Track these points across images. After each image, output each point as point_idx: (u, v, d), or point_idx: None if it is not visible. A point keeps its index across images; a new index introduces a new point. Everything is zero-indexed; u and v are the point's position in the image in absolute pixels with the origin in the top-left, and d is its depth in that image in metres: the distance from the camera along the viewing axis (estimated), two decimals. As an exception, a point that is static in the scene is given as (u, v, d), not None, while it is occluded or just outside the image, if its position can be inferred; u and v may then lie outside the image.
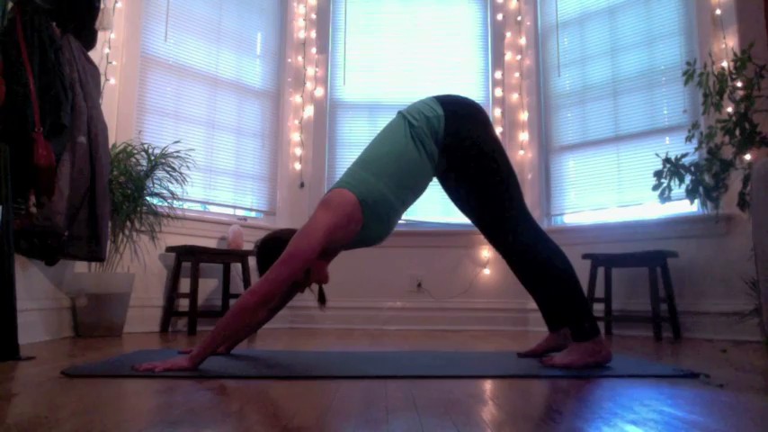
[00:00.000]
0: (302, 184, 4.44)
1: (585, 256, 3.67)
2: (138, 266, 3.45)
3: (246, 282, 3.74)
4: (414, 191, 1.98)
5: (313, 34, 4.65)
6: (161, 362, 1.71)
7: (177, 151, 3.42)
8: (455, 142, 1.95)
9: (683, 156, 3.22)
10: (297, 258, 1.76)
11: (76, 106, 2.73)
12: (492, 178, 1.98)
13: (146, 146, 3.36)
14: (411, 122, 1.96)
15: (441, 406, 1.24)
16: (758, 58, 3.04)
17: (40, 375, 1.63)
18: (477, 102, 2.08)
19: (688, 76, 3.27)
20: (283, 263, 1.75)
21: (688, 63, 3.32)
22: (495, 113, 4.55)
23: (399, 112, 2.04)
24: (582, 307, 1.92)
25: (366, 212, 1.87)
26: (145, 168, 3.31)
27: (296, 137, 4.50)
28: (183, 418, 1.09)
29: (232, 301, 3.79)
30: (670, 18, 3.87)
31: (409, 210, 2.07)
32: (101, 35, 3.20)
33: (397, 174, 1.91)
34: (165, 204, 3.44)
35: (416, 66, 4.66)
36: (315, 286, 2.15)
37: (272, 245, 1.98)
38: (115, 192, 3.12)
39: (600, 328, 1.91)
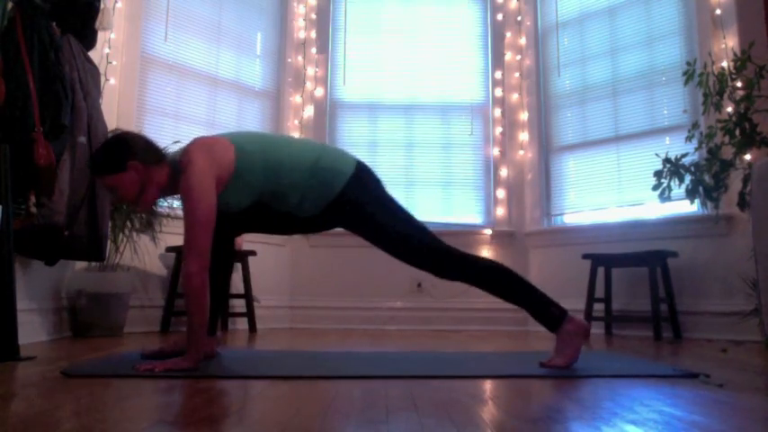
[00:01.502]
0: (302, 184, 4.44)
1: (585, 256, 3.67)
2: (138, 266, 3.45)
3: (246, 281, 3.74)
4: (277, 200, 1.93)
5: (313, 34, 4.65)
6: (161, 362, 1.71)
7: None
8: (348, 206, 1.93)
9: (683, 156, 3.22)
10: (206, 224, 1.75)
11: (76, 106, 2.73)
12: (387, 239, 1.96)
13: (146, 146, 3.35)
14: (319, 160, 1.93)
15: (441, 406, 1.24)
16: (758, 58, 3.03)
17: (39, 375, 1.63)
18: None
19: (688, 76, 3.27)
20: (197, 233, 1.73)
21: (688, 63, 3.32)
22: (495, 113, 4.56)
23: (321, 145, 2.02)
24: (536, 297, 1.91)
25: (234, 177, 1.85)
26: (145, 168, 3.31)
27: (296, 137, 4.50)
28: (183, 418, 1.09)
29: (233, 302, 3.79)
30: (670, 18, 3.87)
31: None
32: (101, 35, 3.20)
33: (280, 175, 1.89)
34: (166, 204, 3.44)
35: (416, 66, 4.66)
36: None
37: (118, 149, 1.86)
38: (115, 192, 3.12)
39: (566, 309, 1.94)
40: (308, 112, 4.54)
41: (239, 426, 1.03)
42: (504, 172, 4.47)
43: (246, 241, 3.91)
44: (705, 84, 3.23)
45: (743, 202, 2.97)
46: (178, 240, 3.66)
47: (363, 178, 1.97)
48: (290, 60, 4.56)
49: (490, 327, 4.19)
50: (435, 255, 1.93)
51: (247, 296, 3.73)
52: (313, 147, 1.99)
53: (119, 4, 3.55)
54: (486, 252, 4.32)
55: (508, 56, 4.59)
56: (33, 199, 2.45)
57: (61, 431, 0.98)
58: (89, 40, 3.00)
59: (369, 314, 4.25)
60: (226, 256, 2.16)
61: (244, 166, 1.86)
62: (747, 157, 3.00)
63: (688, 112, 3.66)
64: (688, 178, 3.17)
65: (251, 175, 1.88)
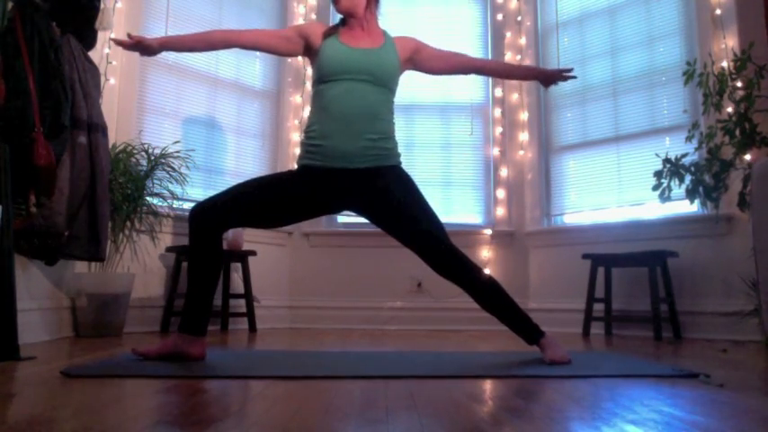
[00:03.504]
0: (302, 184, 4.43)
1: (585, 256, 3.67)
2: (138, 266, 3.45)
3: (246, 281, 3.74)
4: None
5: (313, 34, 4.64)
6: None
7: (177, 151, 3.42)
8: (396, 178, 2.27)
9: (683, 156, 3.21)
10: None
11: (76, 106, 2.73)
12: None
13: (146, 146, 3.36)
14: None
15: (441, 406, 1.24)
16: (758, 58, 3.03)
17: (40, 375, 1.63)
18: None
19: (688, 76, 3.27)
20: None
21: (688, 63, 3.32)
22: (495, 113, 4.55)
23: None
24: (521, 312, 2.12)
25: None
26: (145, 168, 3.31)
27: (296, 137, 4.50)
28: (183, 418, 1.09)
29: (233, 302, 3.78)
30: (670, 18, 3.87)
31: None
32: (101, 35, 3.20)
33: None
34: (165, 204, 3.44)
35: (416, 66, 4.65)
36: None
37: None
38: (115, 192, 3.12)
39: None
40: (308, 112, 4.54)
41: (239, 426, 1.04)
42: (504, 172, 4.47)
43: (246, 241, 3.90)
44: (705, 84, 3.23)
45: (743, 202, 2.97)
46: (178, 240, 3.66)
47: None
48: (289, 60, 4.56)
49: (490, 327, 4.19)
50: (452, 253, 2.21)
51: (247, 296, 3.73)
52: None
53: (119, 4, 3.55)
54: (486, 252, 4.31)
55: (508, 56, 4.59)
56: (33, 199, 2.45)
57: (61, 431, 0.98)
58: (89, 40, 3.00)
59: (369, 314, 4.25)
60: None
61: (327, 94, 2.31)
62: (747, 157, 3.00)
63: (688, 112, 3.66)
64: (688, 178, 3.17)
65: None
